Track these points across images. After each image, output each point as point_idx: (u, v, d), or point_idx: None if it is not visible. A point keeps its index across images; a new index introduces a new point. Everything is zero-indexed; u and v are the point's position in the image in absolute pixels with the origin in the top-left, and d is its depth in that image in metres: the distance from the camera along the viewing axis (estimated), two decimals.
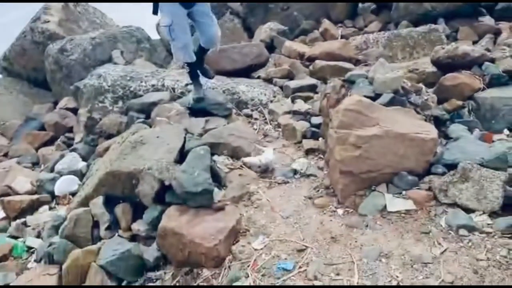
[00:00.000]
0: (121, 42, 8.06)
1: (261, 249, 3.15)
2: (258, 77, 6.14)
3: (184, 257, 3.09)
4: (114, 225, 3.47)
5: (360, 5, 8.12)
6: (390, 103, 3.85)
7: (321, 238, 3.17)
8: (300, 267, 2.91)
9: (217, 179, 3.68)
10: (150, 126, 4.53)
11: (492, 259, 2.74)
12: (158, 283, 3.08)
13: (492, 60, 4.80)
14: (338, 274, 2.81)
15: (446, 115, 4.27)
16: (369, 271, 2.79)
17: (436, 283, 2.58)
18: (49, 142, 6.48)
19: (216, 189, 3.51)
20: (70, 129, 6.43)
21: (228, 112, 4.83)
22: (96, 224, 3.53)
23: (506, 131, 4.31)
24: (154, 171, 3.43)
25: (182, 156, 3.65)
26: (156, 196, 3.44)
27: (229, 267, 3.02)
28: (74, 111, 6.59)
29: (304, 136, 4.51)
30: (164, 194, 3.44)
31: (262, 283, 2.80)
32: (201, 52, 4.76)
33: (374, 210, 3.32)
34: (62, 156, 5.20)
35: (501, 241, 2.86)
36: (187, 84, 5.44)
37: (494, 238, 2.91)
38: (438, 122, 4.13)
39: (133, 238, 3.41)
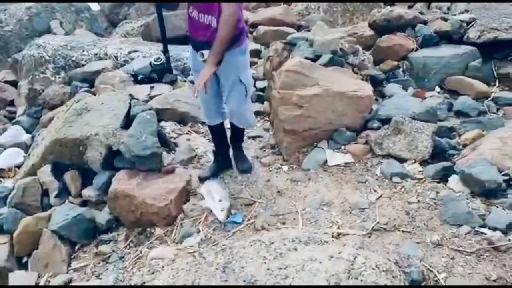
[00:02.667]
0: (59, 12, 7.78)
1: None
2: None
3: (136, 218, 3.17)
4: (63, 192, 3.47)
5: None
6: (329, 64, 4.04)
7: (267, 193, 3.36)
8: (248, 220, 3.09)
9: (165, 143, 3.75)
10: (95, 95, 4.50)
11: (422, 201, 3.02)
12: (111, 244, 3.15)
13: (425, 22, 5.08)
14: (283, 223, 3.01)
15: (382, 75, 4.52)
16: (312, 219, 3.00)
17: (372, 225, 2.82)
18: None
19: (164, 153, 3.58)
20: (11, 103, 6.22)
21: (173, 78, 4.86)
22: (45, 193, 3.52)
23: (437, 88, 4.62)
24: (101, 137, 3.44)
25: (128, 121, 3.67)
26: (105, 162, 3.46)
27: (181, 224, 3.14)
28: (14, 84, 6.36)
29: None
30: (113, 160, 3.47)
31: (213, 237, 2.94)
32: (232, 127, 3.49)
33: (316, 165, 3.52)
34: (4, 130, 5.07)
35: (430, 185, 3.14)
36: (129, 52, 5.40)
37: (424, 184, 3.19)
38: (375, 82, 4.37)
39: (84, 204, 3.43)
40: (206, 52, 2.87)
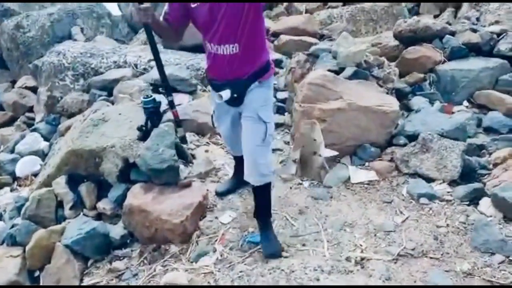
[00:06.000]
0: (80, 18, 7.79)
1: (229, 223, 3.17)
2: None
3: (151, 234, 3.07)
4: (78, 204, 3.40)
5: None
6: (353, 77, 3.91)
7: (288, 211, 3.22)
8: None
9: (183, 155, 3.65)
10: (113, 104, 4.44)
11: (451, 225, 2.86)
12: (125, 261, 3.06)
13: (453, 33, 4.90)
14: (304, 245, 2.86)
15: (408, 87, 4.36)
16: (334, 240, 2.86)
17: (398, 250, 2.67)
18: (8, 122, 6.27)
19: (182, 166, 3.48)
20: (30, 109, 6.24)
21: (193, 88, 4.77)
22: (60, 204, 3.45)
23: (465, 103, 4.44)
24: (118, 149, 3.37)
25: (147, 133, 3.59)
26: (121, 174, 3.38)
27: (196, 242, 3.03)
28: (34, 90, 6.39)
29: None
30: (129, 172, 3.39)
31: (230, 257, 2.83)
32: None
33: (338, 182, 3.39)
34: (22, 137, 5.05)
35: (459, 208, 2.98)
36: (149, 60, 5.32)
37: (453, 206, 3.02)
38: (400, 95, 4.21)
39: (99, 216, 3.36)
40: (225, 93, 2.56)
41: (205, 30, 2.53)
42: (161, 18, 2.61)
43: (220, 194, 3.33)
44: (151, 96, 3.53)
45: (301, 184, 3.52)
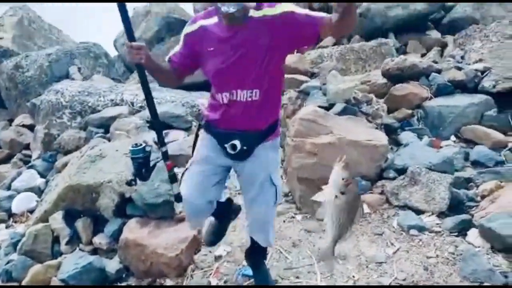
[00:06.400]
0: (78, 58, 8.00)
1: (223, 256, 3.22)
2: None
3: (146, 267, 3.11)
4: (74, 240, 3.45)
5: None
6: (342, 112, 4.04)
7: (281, 244, 3.28)
8: None
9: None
10: (109, 141, 4.53)
11: (441, 256, 2.92)
12: None
13: (439, 71, 5.08)
14: (297, 277, 2.91)
15: (397, 123, 4.49)
16: (327, 272, 2.90)
17: (390, 281, 2.72)
18: (5, 160, 6.33)
19: None
20: (27, 146, 6.31)
21: (188, 125, 4.88)
22: (56, 240, 3.50)
23: (453, 137, 4.57)
24: (114, 184, 3.44)
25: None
26: (117, 209, 3.45)
27: (191, 275, 3.07)
28: (31, 128, 6.49)
29: None
30: (125, 207, 3.46)
31: None
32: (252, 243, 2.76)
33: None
34: (19, 174, 5.10)
35: (448, 239, 3.05)
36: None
37: (443, 237, 3.09)
38: (389, 130, 4.34)
39: (95, 251, 3.40)
40: (239, 143, 2.30)
41: (221, 74, 2.25)
42: (166, 59, 2.43)
43: (209, 245, 3.03)
44: (140, 144, 3.05)
45: (294, 217, 3.59)
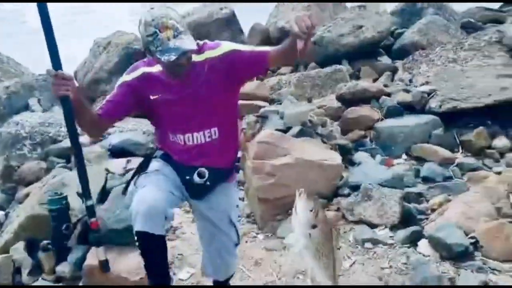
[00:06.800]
0: (37, 90, 7.94)
1: (187, 279, 3.28)
2: None
3: None
4: (37, 269, 3.42)
5: None
6: (299, 135, 4.24)
7: (244, 263, 3.37)
8: None
9: None
10: (71, 170, 4.54)
11: (394, 266, 3.10)
12: None
13: (388, 94, 5.39)
14: None
15: (350, 144, 4.71)
16: None
17: None
18: None
19: None
20: None
21: (149, 151, 4.94)
22: (17, 270, 3.46)
23: (404, 156, 4.82)
24: (77, 212, 3.47)
25: (104, 196, 3.72)
26: (80, 237, 3.46)
27: None
28: None
29: None
30: (88, 234, 3.47)
31: None
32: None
33: (291, 233, 3.57)
34: None
35: (401, 251, 3.23)
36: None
37: (395, 248, 3.28)
38: (344, 151, 4.53)
39: (58, 280, 3.38)
40: (207, 173, 2.23)
41: (173, 121, 2.20)
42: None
43: None
44: (60, 193, 2.87)
45: (256, 237, 3.70)
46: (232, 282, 3.09)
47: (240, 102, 6.08)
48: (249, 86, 6.78)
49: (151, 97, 2.17)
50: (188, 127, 2.20)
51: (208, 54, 2.17)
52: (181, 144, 2.23)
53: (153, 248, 2.17)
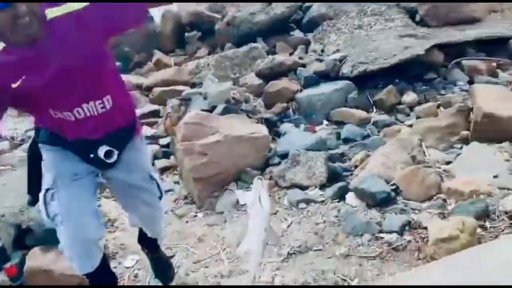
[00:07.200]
0: None
1: (133, 266, 3.33)
2: None
3: None
4: None
5: (186, 34, 8.64)
6: (224, 112, 4.36)
7: (187, 242, 3.47)
8: None
9: None
10: None
11: (327, 220, 3.32)
12: None
13: (304, 65, 5.64)
14: (207, 267, 3.13)
15: (275, 116, 4.92)
16: (233, 257, 3.16)
17: (288, 250, 3.06)
18: None
19: None
20: None
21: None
22: None
23: (325, 121, 5.10)
24: (9, 218, 3.37)
25: (35, 198, 3.62)
26: (15, 242, 3.37)
27: None
28: None
29: (156, 157, 4.76)
30: (24, 238, 3.39)
31: None
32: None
33: (229, 206, 3.73)
34: None
35: (331, 206, 3.47)
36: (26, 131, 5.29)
37: (327, 205, 3.51)
38: (270, 124, 4.73)
39: None
40: (114, 150, 2.03)
41: (55, 99, 1.83)
42: None
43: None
44: None
45: (196, 216, 3.80)
46: (178, 261, 3.21)
47: (161, 88, 6.15)
48: (167, 73, 6.79)
49: (13, 86, 1.72)
50: (74, 101, 1.86)
51: (71, 6, 1.75)
52: (72, 120, 1.90)
53: (99, 277, 2.30)
